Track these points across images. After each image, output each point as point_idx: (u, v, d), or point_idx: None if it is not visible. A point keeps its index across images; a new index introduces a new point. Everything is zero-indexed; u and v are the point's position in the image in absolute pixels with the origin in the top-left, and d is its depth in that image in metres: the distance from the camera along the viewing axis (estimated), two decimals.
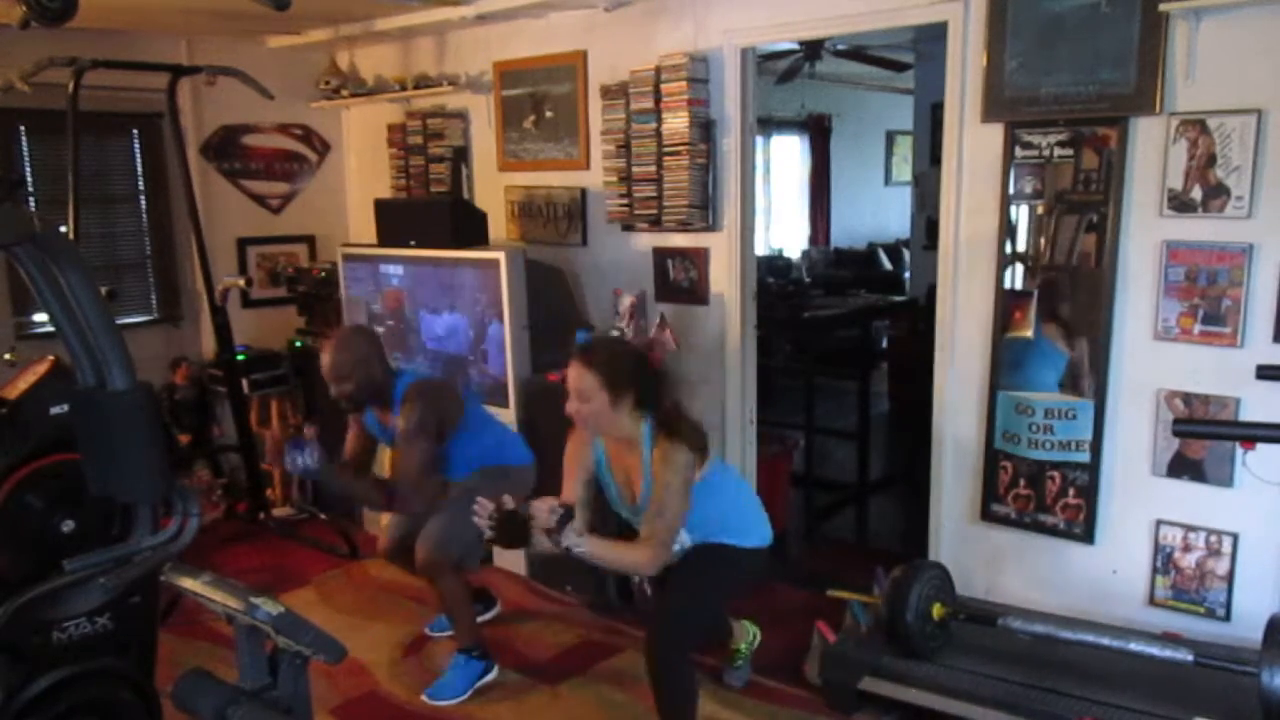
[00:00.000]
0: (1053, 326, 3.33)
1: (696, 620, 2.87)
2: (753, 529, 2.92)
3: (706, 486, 2.75)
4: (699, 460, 2.71)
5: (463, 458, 3.50)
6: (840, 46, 6.97)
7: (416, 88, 5.12)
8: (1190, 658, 2.75)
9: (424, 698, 3.36)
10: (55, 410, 2.32)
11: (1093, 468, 3.29)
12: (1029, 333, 3.37)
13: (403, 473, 3.30)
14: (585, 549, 2.56)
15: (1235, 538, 3.08)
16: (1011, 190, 3.36)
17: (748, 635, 3.39)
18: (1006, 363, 3.44)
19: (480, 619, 3.76)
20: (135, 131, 5.23)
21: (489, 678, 3.47)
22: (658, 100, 4.11)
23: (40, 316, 4.42)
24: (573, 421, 2.73)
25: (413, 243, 4.47)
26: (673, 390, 2.83)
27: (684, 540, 2.79)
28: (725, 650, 3.37)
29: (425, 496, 3.36)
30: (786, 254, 9.85)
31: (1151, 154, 3.07)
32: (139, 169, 5.29)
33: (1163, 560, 3.22)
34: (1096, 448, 3.28)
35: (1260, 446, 2.55)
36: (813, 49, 7.02)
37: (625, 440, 2.75)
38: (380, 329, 4.68)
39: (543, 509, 2.54)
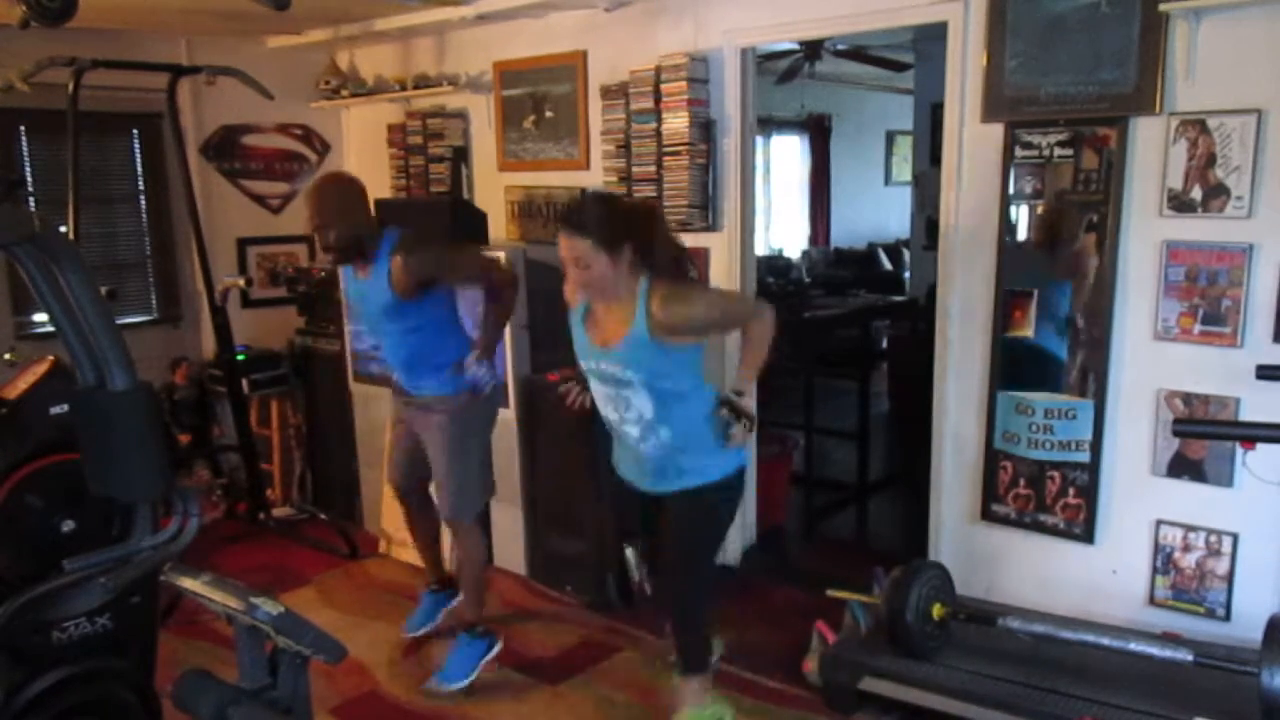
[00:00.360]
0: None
1: (705, 574, 2.87)
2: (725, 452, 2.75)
3: (698, 354, 2.66)
4: None
5: (439, 358, 3.33)
6: (840, 46, 6.98)
7: (416, 88, 5.12)
8: (1190, 658, 2.75)
9: (432, 682, 3.38)
10: (55, 410, 2.32)
11: (1093, 468, 3.29)
12: (1029, 333, 3.37)
13: (474, 272, 3.30)
14: (750, 386, 2.66)
15: (1235, 538, 3.08)
16: (1011, 190, 3.36)
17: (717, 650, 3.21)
18: (1006, 363, 3.44)
19: (454, 603, 3.74)
20: (135, 131, 5.23)
21: (494, 653, 3.47)
22: (658, 100, 4.11)
23: (40, 316, 4.43)
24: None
25: None
26: (672, 239, 2.68)
27: (662, 436, 2.65)
28: None
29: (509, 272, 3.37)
30: (786, 254, 9.86)
31: (1151, 154, 3.07)
32: (139, 169, 5.29)
33: (1163, 560, 3.22)
34: (1096, 448, 3.28)
35: (1260, 446, 2.56)
36: (812, 49, 7.02)
37: (619, 300, 2.58)
38: None
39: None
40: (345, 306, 3.55)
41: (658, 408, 2.62)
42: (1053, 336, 3.34)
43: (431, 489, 3.60)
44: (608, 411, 2.74)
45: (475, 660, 3.42)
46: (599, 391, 2.73)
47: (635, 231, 2.53)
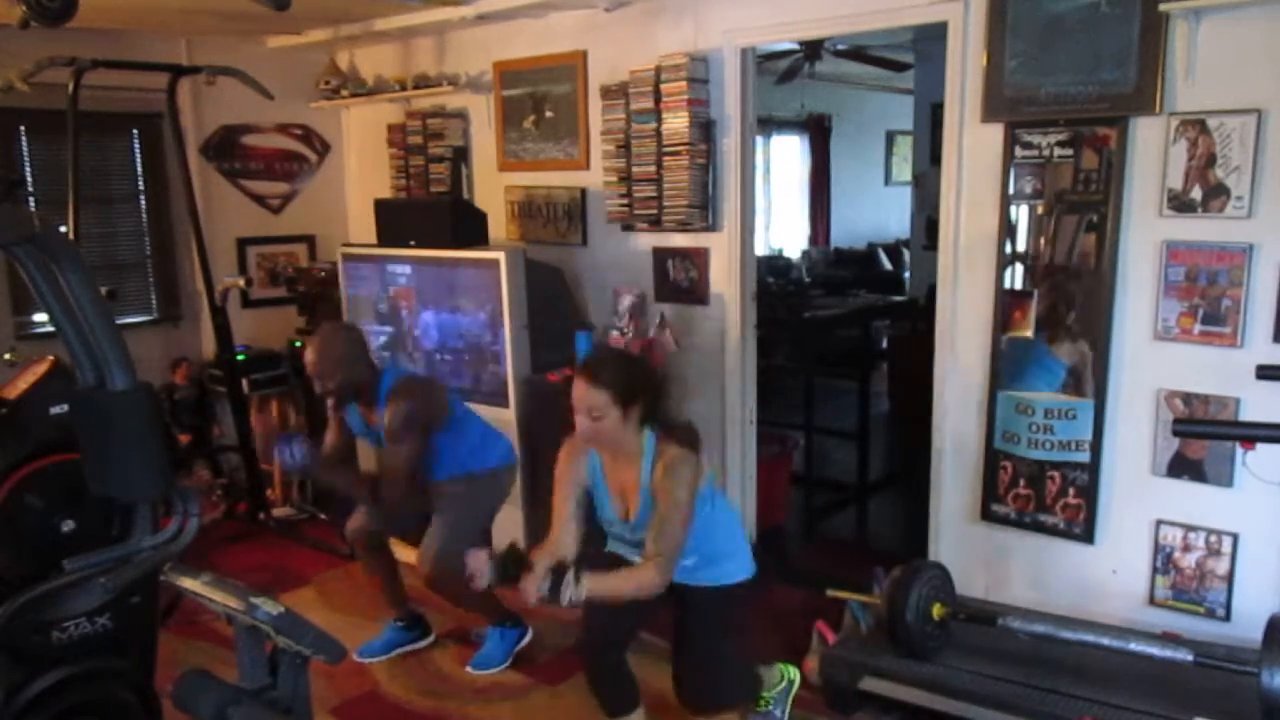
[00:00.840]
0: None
1: (728, 676, 2.84)
2: (742, 556, 2.83)
3: (701, 501, 2.65)
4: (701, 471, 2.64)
5: (449, 457, 3.50)
6: (840, 46, 6.98)
7: (416, 88, 5.12)
8: (1190, 658, 2.75)
9: (468, 669, 3.48)
10: (55, 410, 2.32)
11: (1093, 468, 3.29)
12: (1029, 333, 3.37)
13: (389, 470, 3.33)
14: (586, 595, 2.47)
15: (1235, 538, 3.08)
16: (1011, 190, 3.36)
17: (776, 680, 3.16)
18: (1006, 363, 3.44)
19: (416, 645, 3.75)
20: (135, 131, 5.23)
21: (526, 640, 3.59)
22: (658, 100, 4.11)
23: (40, 316, 4.43)
24: (572, 430, 2.61)
25: (413, 243, 4.47)
26: (677, 400, 2.75)
27: (687, 564, 2.67)
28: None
29: (410, 494, 3.38)
30: (786, 254, 9.85)
31: (1151, 154, 3.07)
32: (139, 169, 5.29)
33: (1163, 560, 3.22)
34: (1096, 448, 3.28)
35: (1260, 446, 2.56)
36: (813, 49, 7.02)
37: (626, 455, 2.64)
38: (388, 328, 4.69)
39: (530, 590, 2.46)
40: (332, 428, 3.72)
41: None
42: None
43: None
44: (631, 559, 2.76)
45: (508, 649, 3.55)
46: (622, 552, 2.78)
47: (648, 391, 2.60)
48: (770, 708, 3.14)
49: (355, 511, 3.65)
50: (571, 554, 2.65)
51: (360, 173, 5.79)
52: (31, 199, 4.76)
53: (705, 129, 4.08)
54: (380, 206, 4.70)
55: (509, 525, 4.32)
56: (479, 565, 2.54)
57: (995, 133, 3.37)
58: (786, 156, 10.34)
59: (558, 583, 2.45)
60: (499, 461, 3.63)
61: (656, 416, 2.62)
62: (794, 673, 3.19)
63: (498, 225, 4.85)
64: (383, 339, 4.68)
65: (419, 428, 3.34)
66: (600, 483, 2.73)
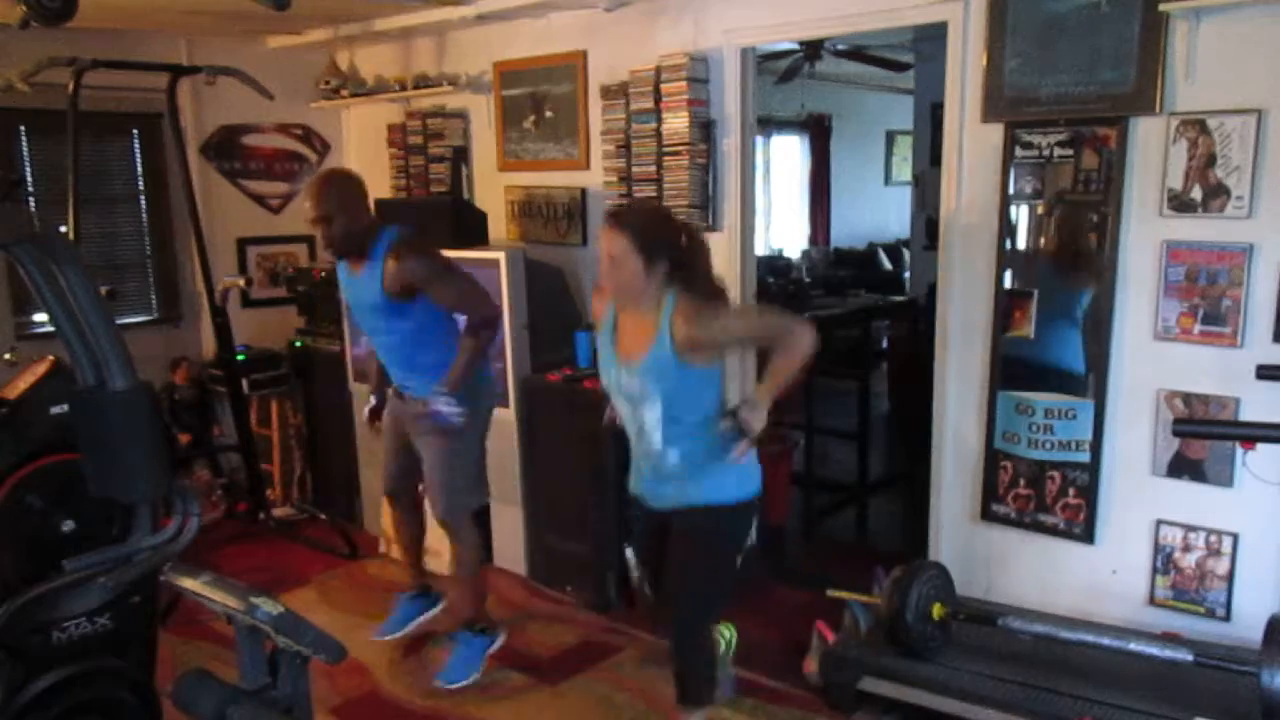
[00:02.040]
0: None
1: (710, 600, 2.77)
2: (745, 474, 2.73)
3: (717, 378, 2.61)
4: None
5: (438, 359, 3.30)
6: (840, 46, 6.97)
7: (416, 88, 5.12)
8: (1190, 658, 2.75)
9: (437, 683, 3.37)
10: (55, 410, 2.32)
11: (1093, 468, 3.29)
12: (1029, 333, 3.37)
13: (465, 293, 3.22)
14: (766, 403, 2.48)
15: (1235, 538, 3.08)
16: (1011, 190, 3.36)
17: (722, 640, 3.11)
18: (1006, 363, 3.44)
19: (430, 613, 3.73)
20: (135, 131, 5.23)
21: (497, 645, 3.49)
22: (658, 100, 4.11)
23: (40, 316, 4.43)
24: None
25: None
26: (708, 264, 2.62)
27: (672, 456, 2.62)
28: None
29: (494, 307, 3.32)
30: (786, 254, 9.85)
31: (1151, 154, 3.07)
32: (139, 169, 5.29)
33: (1163, 560, 3.22)
34: (1096, 448, 3.28)
35: (1260, 446, 2.56)
36: (813, 49, 7.02)
37: (644, 308, 2.56)
38: None
39: (741, 446, 2.49)
40: (345, 307, 3.56)
41: (671, 428, 2.59)
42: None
43: (423, 489, 3.60)
44: (629, 428, 2.72)
45: (478, 657, 3.44)
46: (620, 409, 2.72)
47: (676, 249, 2.53)
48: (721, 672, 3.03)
49: (386, 468, 3.59)
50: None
51: (360, 173, 5.76)
52: (31, 199, 4.76)
53: (705, 129, 4.08)
54: (380, 206, 4.70)
55: (510, 525, 4.33)
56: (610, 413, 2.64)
57: (995, 133, 3.37)
58: (786, 156, 10.34)
59: (741, 416, 2.46)
60: (481, 381, 3.46)
61: (682, 275, 2.53)
62: (729, 631, 3.14)
63: (498, 225, 4.86)
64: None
65: (446, 263, 3.25)
66: (609, 330, 2.68)
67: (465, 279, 3.27)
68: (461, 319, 3.30)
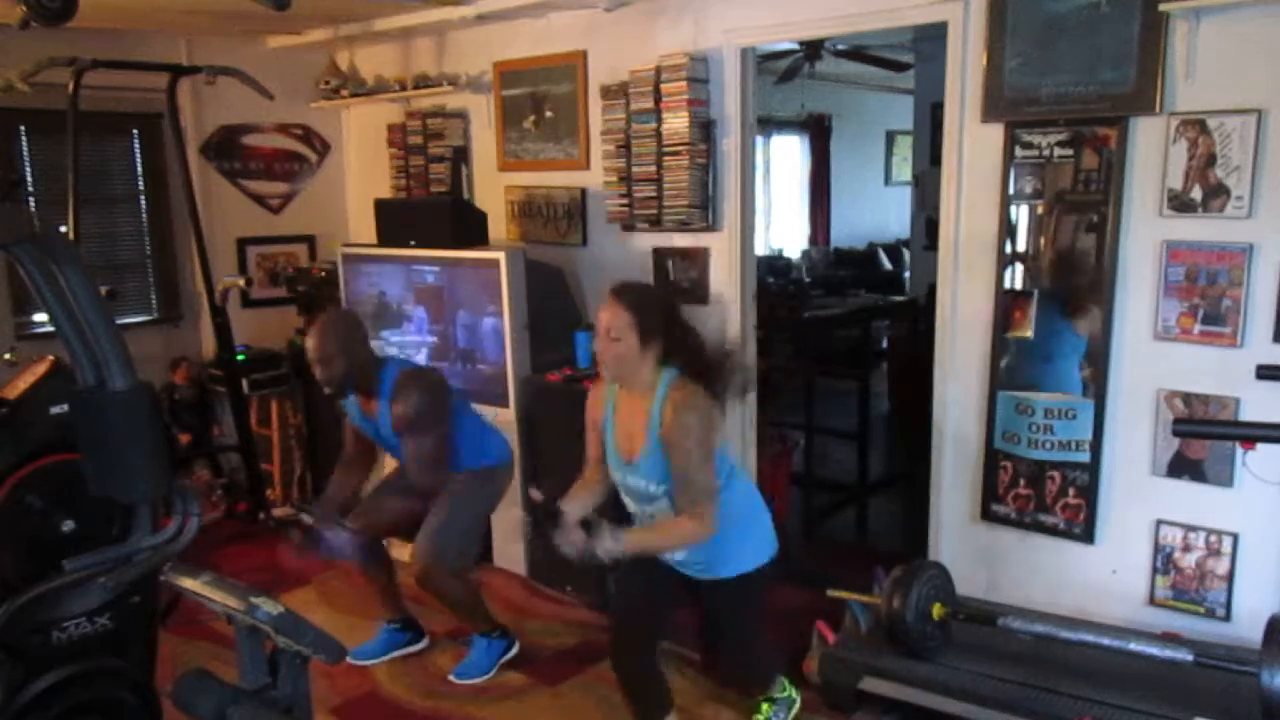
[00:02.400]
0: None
1: (765, 645, 2.94)
2: (759, 534, 2.78)
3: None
4: (715, 413, 2.60)
5: (464, 448, 3.48)
6: (840, 46, 6.97)
7: (416, 88, 5.12)
8: (1190, 658, 2.75)
9: (450, 677, 3.42)
10: (55, 410, 2.32)
11: (1093, 468, 3.29)
12: (1029, 333, 3.37)
13: (424, 459, 3.31)
14: (625, 547, 2.51)
15: (1235, 538, 3.08)
16: (1011, 190, 3.36)
17: (782, 691, 3.15)
18: (1006, 363, 3.44)
19: (410, 649, 3.76)
20: (135, 131, 5.23)
21: (513, 653, 3.54)
22: (658, 100, 4.11)
23: (40, 316, 4.43)
24: (595, 363, 2.67)
25: (413, 243, 4.47)
26: (701, 348, 2.67)
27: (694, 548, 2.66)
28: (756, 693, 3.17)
29: (441, 480, 3.38)
30: (786, 254, 9.86)
31: (1151, 154, 3.07)
32: (139, 169, 5.29)
33: (1163, 560, 3.22)
34: (1096, 448, 3.28)
35: (1260, 446, 2.55)
36: (813, 49, 7.02)
37: (640, 392, 2.62)
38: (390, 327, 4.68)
39: (573, 541, 2.50)
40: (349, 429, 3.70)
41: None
42: None
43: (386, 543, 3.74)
44: (638, 518, 2.76)
45: (493, 659, 3.49)
46: (630, 507, 2.76)
47: (669, 329, 2.60)
48: (772, 716, 3.13)
49: (352, 513, 3.64)
50: (601, 496, 2.72)
51: (360, 173, 5.79)
52: (31, 199, 4.77)
53: (705, 129, 4.08)
54: (380, 206, 4.71)
55: (510, 525, 4.33)
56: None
57: (995, 133, 3.37)
58: (786, 156, 10.34)
59: (592, 533, 2.47)
60: (497, 459, 3.62)
61: (674, 359, 2.59)
62: (797, 694, 3.20)
63: (498, 225, 4.85)
64: (392, 338, 4.68)
65: (443, 414, 3.33)
66: (610, 420, 2.71)
67: (437, 443, 3.34)
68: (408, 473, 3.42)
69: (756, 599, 2.83)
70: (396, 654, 3.73)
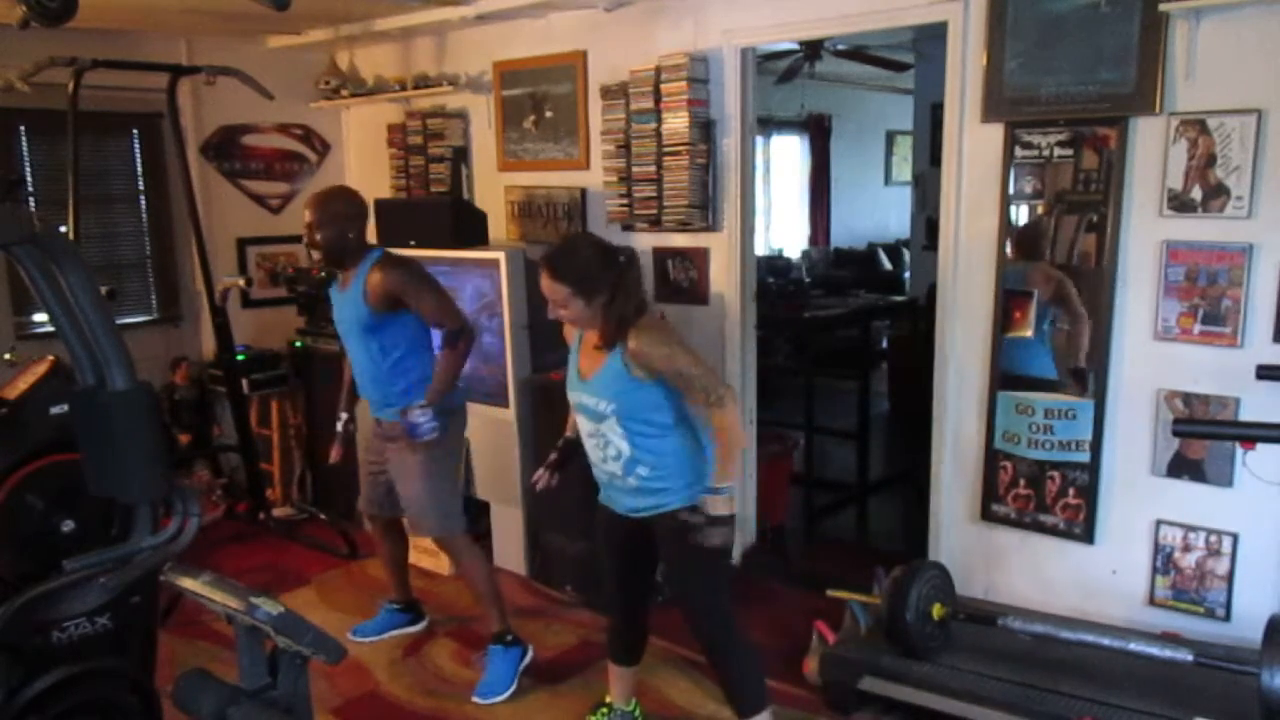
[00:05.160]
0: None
1: (712, 592, 2.79)
2: (698, 474, 2.71)
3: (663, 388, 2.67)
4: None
5: (410, 382, 3.38)
6: (840, 46, 6.97)
7: (416, 88, 5.12)
8: (1190, 658, 2.76)
9: (475, 699, 3.36)
10: (55, 410, 2.32)
11: (1093, 468, 3.29)
12: (1029, 333, 3.37)
13: (441, 313, 3.28)
14: (728, 505, 2.58)
15: (1235, 538, 3.08)
16: (1011, 190, 3.36)
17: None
18: (1006, 363, 3.44)
19: (410, 629, 3.80)
20: (135, 131, 5.23)
21: (528, 659, 3.50)
22: (658, 100, 4.11)
23: (40, 316, 4.42)
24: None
25: (413, 243, 4.47)
26: (638, 285, 2.71)
27: (641, 473, 2.67)
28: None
29: (466, 321, 3.37)
30: (786, 254, 9.85)
31: (1151, 154, 3.07)
32: (139, 169, 5.29)
33: (1163, 560, 3.22)
34: (1096, 448, 3.28)
35: (1260, 446, 2.56)
36: (813, 49, 7.02)
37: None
38: None
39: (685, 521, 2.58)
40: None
41: (634, 445, 2.66)
42: None
43: (405, 521, 3.66)
44: (592, 451, 2.79)
45: (513, 672, 3.44)
46: (583, 429, 2.78)
47: (609, 279, 2.61)
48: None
49: (365, 492, 3.65)
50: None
51: (360, 173, 5.79)
52: (31, 199, 4.76)
53: (705, 129, 4.08)
54: (380, 206, 4.70)
55: (510, 525, 4.33)
56: (543, 481, 2.84)
57: (995, 133, 3.37)
58: (786, 156, 10.33)
59: (702, 533, 2.57)
60: (459, 400, 3.53)
61: (621, 300, 2.62)
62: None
63: (498, 225, 4.85)
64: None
65: (428, 278, 3.32)
66: (577, 346, 2.79)
67: (444, 293, 3.35)
68: (438, 336, 3.35)
69: (685, 545, 2.72)
70: (395, 634, 3.77)
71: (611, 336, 2.63)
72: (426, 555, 4.34)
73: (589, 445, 2.79)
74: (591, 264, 2.63)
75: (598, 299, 2.61)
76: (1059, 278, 3.29)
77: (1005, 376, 3.44)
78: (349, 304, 3.36)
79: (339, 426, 3.69)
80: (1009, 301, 3.41)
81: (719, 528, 2.57)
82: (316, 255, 3.39)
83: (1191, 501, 3.14)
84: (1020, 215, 3.38)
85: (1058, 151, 3.24)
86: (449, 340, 3.29)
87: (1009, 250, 3.40)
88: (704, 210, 4.12)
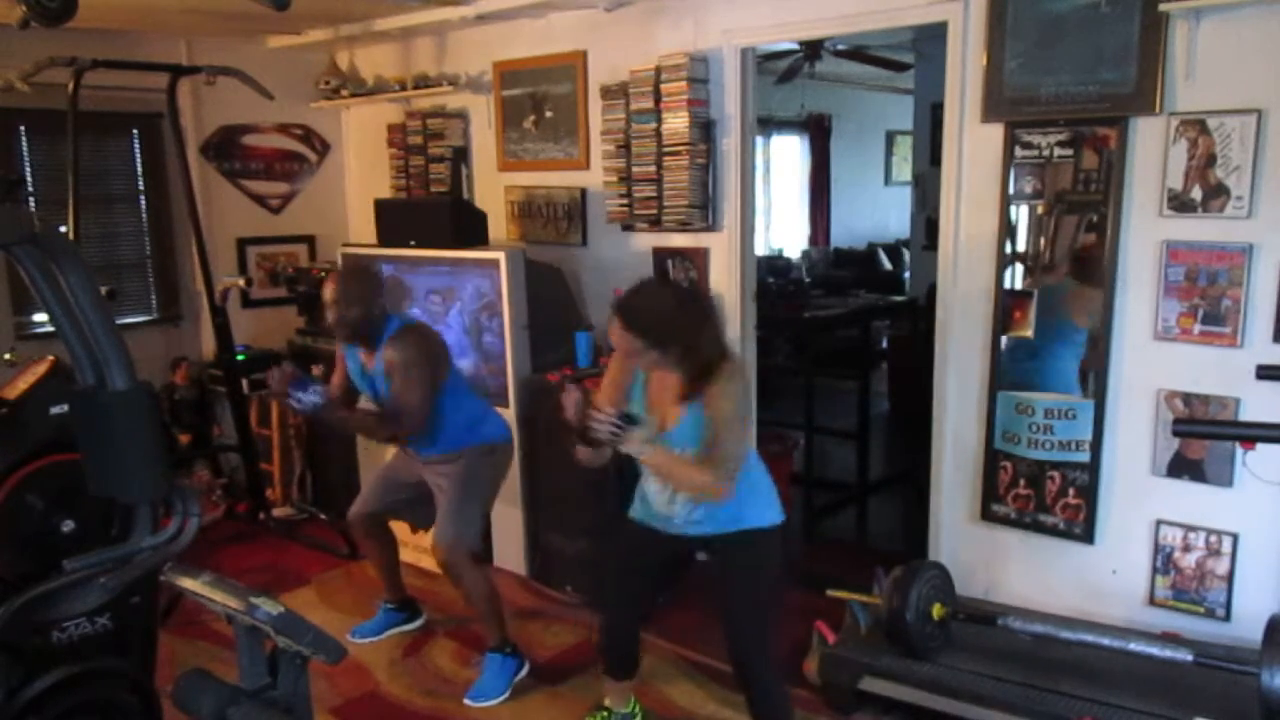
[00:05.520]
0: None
1: (765, 626, 2.76)
2: (771, 501, 2.75)
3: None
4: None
5: (450, 426, 3.44)
6: (840, 46, 6.97)
7: (416, 88, 5.12)
8: (1190, 658, 2.76)
9: (466, 701, 3.37)
10: (55, 410, 2.32)
11: (1093, 468, 3.29)
12: (1029, 333, 3.37)
13: (406, 399, 3.31)
14: (649, 457, 2.52)
15: (1235, 538, 3.08)
16: (1011, 190, 3.36)
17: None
18: (1006, 363, 3.44)
19: (408, 627, 3.85)
20: (135, 131, 5.23)
21: (524, 673, 3.50)
22: (658, 100, 4.11)
23: (40, 316, 4.43)
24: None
25: (413, 243, 4.47)
26: (720, 333, 2.65)
27: (709, 508, 2.64)
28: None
29: (423, 426, 3.37)
30: (786, 254, 9.85)
31: (1151, 154, 3.07)
32: (139, 169, 5.29)
33: (1163, 560, 3.22)
34: (1096, 448, 3.28)
35: (1260, 446, 2.55)
36: (813, 49, 7.02)
37: (671, 376, 2.62)
38: None
39: (603, 416, 2.48)
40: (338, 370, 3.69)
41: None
42: None
43: (393, 523, 3.77)
44: (655, 494, 2.74)
45: (508, 678, 3.45)
46: (648, 480, 2.75)
47: (685, 332, 2.54)
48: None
49: (374, 489, 3.69)
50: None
51: (360, 173, 5.79)
52: (31, 199, 4.76)
53: (705, 129, 4.08)
54: (380, 206, 4.70)
55: (510, 525, 4.34)
56: (570, 399, 2.59)
57: (995, 133, 3.37)
58: (786, 156, 10.33)
59: (624, 425, 2.48)
60: (498, 437, 3.60)
61: (697, 352, 2.55)
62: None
63: (498, 225, 4.85)
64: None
65: (430, 362, 3.35)
66: (640, 392, 2.71)
67: (421, 389, 3.33)
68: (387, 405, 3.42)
69: (766, 563, 2.71)
70: (394, 632, 3.81)
71: (695, 386, 2.54)
72: (426, 555, 4.34)
73: (652, 488, 2.74)
74: (667, 314, 2.55)
75: (673, 350, 2.53)
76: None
77: (1007, 378, 3.45)
78: (377, 380, 3.43)
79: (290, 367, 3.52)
80: (1009, 301, 3.41)
81: (634, 443, 2.50)
82: (339, 333, 3.45)
83: (1191, 501, 3.14)
84: (1020, 216, 3.38)
85: (1058, 151, 3.24)
86: (390, 418, 3.37)
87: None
88: (704, 210, 4.12)
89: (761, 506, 2.70)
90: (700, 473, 2.54)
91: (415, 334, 3.40)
